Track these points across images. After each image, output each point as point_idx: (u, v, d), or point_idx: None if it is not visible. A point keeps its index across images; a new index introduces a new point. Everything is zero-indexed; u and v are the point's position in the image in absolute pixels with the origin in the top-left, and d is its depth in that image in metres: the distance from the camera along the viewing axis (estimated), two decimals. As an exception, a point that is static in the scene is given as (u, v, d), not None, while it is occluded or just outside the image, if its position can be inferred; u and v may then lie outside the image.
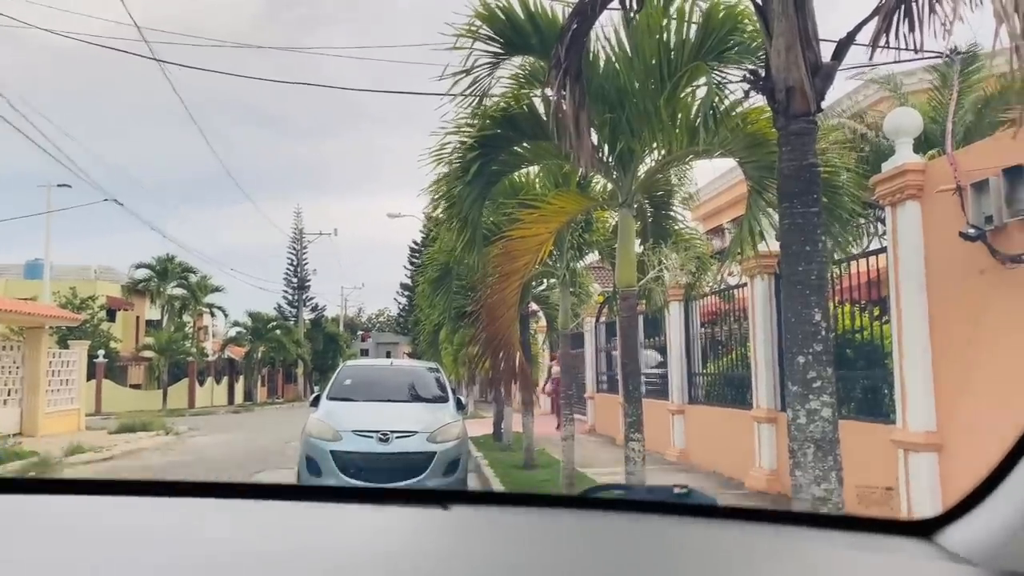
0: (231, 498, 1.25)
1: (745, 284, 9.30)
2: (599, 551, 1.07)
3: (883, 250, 6.57)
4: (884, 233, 6.70)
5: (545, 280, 11.92)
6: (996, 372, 5.02)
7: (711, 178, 20.04)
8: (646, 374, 12.43)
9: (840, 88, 25.30)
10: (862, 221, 7.02)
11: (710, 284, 9.35)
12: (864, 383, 6.97)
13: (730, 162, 5.97)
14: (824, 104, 4.10)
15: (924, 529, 1.15)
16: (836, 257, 6.59)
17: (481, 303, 7.22)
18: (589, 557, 1.05)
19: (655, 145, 6.09)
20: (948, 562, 1.06)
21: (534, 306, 13.96)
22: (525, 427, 11.22)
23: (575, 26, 4.59)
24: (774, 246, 6.78)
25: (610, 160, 6.31)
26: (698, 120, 4.88)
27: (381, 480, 7.78)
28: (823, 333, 3.95)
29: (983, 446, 4.81)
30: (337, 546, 1.05)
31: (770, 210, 5.96)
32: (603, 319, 16.70)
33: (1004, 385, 4.94)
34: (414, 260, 43.71)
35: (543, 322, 15.99)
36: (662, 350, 12.82)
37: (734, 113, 5.21)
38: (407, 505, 1.27)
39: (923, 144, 7.51)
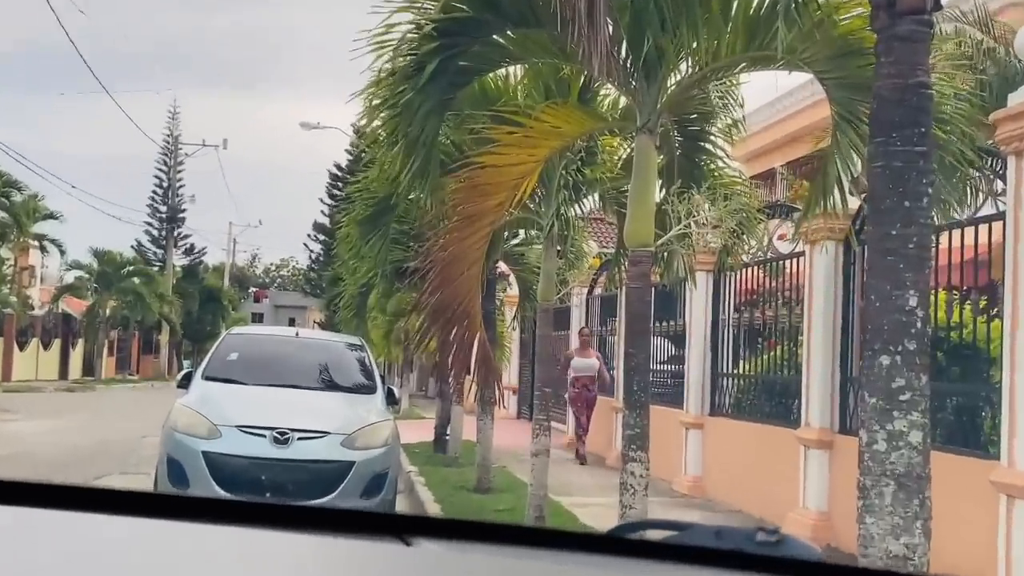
0: (63, 508, 1.19)
1: (802, 253, 9.32)
2: None
3: (998, 216, 6.58)
4: (1002, 193, 6.69)
5: (523, 231, 11.86)
6: None
7: (760, 101, 20.08)
8: (654, 371, 12.51)
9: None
10: (973, 173, 7.00)
11: (753, 250, 9.36)
12: (957, 400, 7.03)
13: (787, 81, 5.88)
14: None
15: None
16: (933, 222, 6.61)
17: (431, 257, 7.13)
18: None
19: (695, 46, 5.98)
20: None
21: (504, 266, 13.92)
22: (481, 435, 11.24)
23: None
24: (850, 203, 6.76)
25: (629, 64, 6.20)
26: (763, 9, 4.77)
27: (273, 498, 7.71)
28: (919, 326, 3.93)
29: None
30: None
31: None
32: (599, 290, 16.83)
33: None
34: (336, 192, 43.35)
35: (514, 290, 15.96)
36: (678, 339, 12.93)
37: (816, 4, 5.09)
38: (349, 534, 1.20)
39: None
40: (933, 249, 4.38)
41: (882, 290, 3.99)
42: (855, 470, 4.07)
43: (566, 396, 15.00)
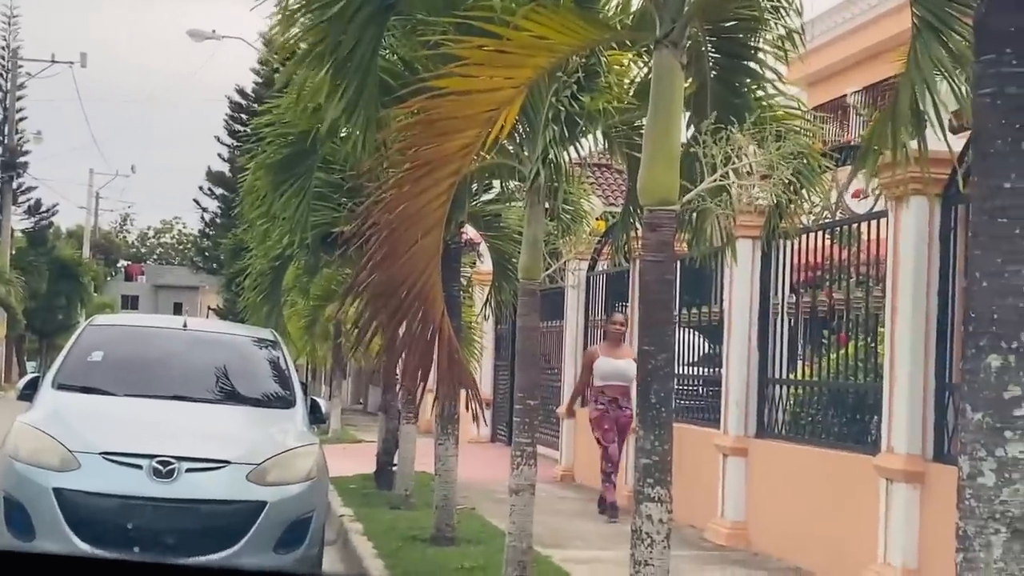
0: None
1: (884, 214, 9.39)
2: None
3: None
4: None
5: (499, 183, 11.87)
6: None
7: (827, 3, 20.12)
8: (679, 376, 12.57)
9: None
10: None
11: (815, 210, 9.42)
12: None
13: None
14: None
15: None
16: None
17: (372, 219, 7.12)
18: None
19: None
20: None
21: (473, 232, 13.92)
22: (441, 464, 11.27)
23: None
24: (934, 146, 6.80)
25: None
26: None
27: (154, 553, 7.72)
28: (1043, 315, 3.96)
29: None
30: None
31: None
32: (604, 264, 16.93)
33: None
34: (239, 128, 42.98)
35: (487, 264, 15.98)
36: (712, 332, 13.02)
37: None
38: None
39: None
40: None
41: (991, 265, 4.02)
42: (954, 511, 4.12)
43: (589, 416, 13.56)
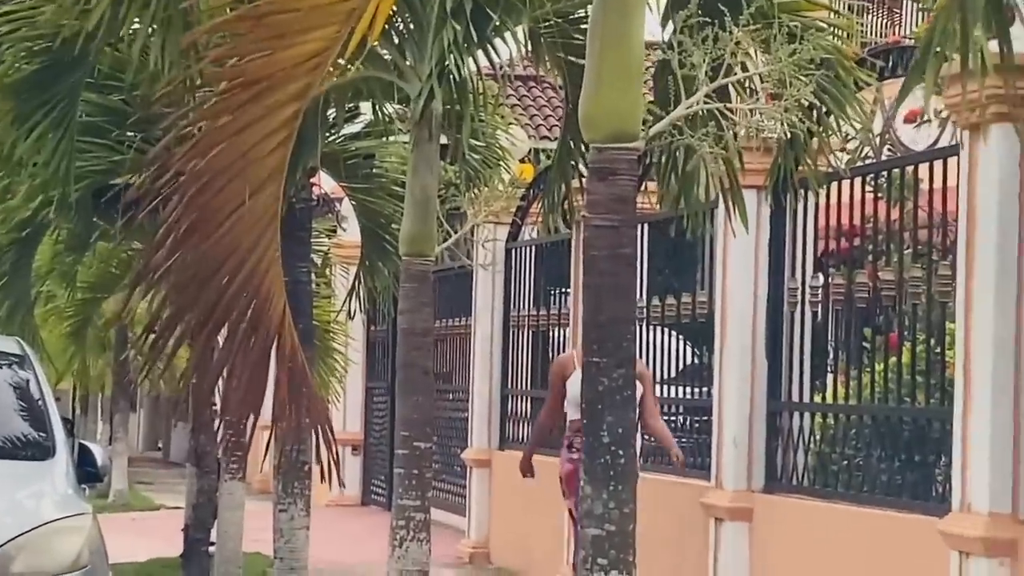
0: None
1: (954, 150, 9.47)
2: None
3: None
4: None
5: (369, 109, 11.87)
6: None
7: None
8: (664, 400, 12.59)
9: None
10: None
11: (851, 145, 9.47)
12: None
13: None
14: None
15: None
16: None
17: (174, 168, 7.08)
18: None
19: None
20: None
21: (329, 183, 13.88)
22: (286, 540, 11.26)
23: None
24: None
25: None
26: None
27: None
28: None
29: None
30: None
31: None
32: (531, 230, 17.11)
33: None
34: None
35: (353, 233, 15.93)
36: (697, 332, 13.10)
37: None
38: None
39: None
40: None
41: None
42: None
43: (560, 470, 12.38)
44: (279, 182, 7.19)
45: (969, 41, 6.45)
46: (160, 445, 38.31)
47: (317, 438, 8.52)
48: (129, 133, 12.08)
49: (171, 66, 8.04)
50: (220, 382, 7.44)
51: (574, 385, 11.29)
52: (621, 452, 6.36)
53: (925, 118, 9.65)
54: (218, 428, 13.33)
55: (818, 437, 11.26)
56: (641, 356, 11.86)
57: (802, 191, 10.89)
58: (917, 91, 7.84)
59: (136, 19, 8.52)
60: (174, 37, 7.67)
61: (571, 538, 12.36)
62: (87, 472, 9.47)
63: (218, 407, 8.00)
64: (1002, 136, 8.78)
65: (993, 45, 6.57)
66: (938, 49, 6.69)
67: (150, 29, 8.00)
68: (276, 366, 7.50)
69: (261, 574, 12.75)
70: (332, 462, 8.26)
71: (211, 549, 14.04)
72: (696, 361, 13.28)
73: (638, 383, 11.01)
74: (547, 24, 9.62)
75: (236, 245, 6.97)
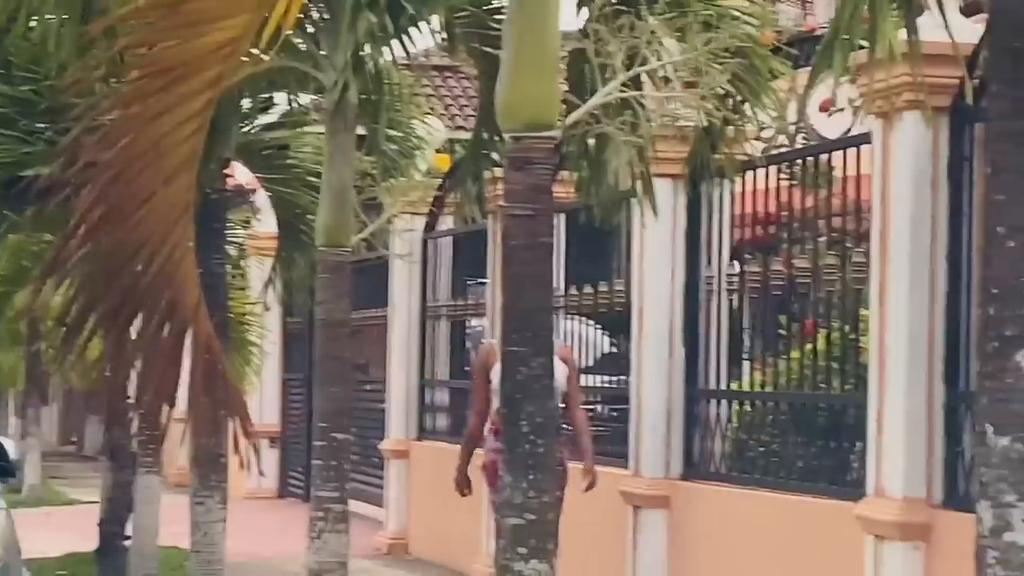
0: None
1: (867, 137, 9.54)
2: None
3: None
4: None
5: (284, 99, 11.77)
6: None
7: None
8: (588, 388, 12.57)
9: None
10: None
11: (767, 133, 9.49)
12: None
13: None
14: None
15: None
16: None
17: (86, 157, 7.01)
18: None
19: None
20: None
21: (245, 174, 13.80)
22: (202, 534, 11.20)
23: None
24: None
25: None
26: None
27: None
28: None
29: None
30: None
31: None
32: (448, 220, 17.12)
33: None
34: None
35: (268, 224, 15.84)
36: (615, 322, 13.10)
37: None
38: None
39: None
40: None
41: (1017, 211, 4.11)
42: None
43: (482, 461, 11.72)
44: (192, 172, 7.12)
45: (877, 29, 6.45)
46: (74, 439, 37.98)
47: (234, 430, 8.49)
48: (39, 124, 11.96)
49: (80, 54, 7.95)
50: (134, 374, 7.37)
51: (498, 375, 11.11)
52: (541, 441, 6.35)
53: (838, 107, 9.63)
54: (132, 421, 13.25)
55: (735, 424, 11.31)
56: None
57: (718, 180, 10.90)
58: (830, 79, 7.90)
59: (47, 9, 8.43)
60: (83, 26, 7.57)
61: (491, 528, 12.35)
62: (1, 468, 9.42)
63: (132, 399, 7.92)
64: (913, 124, 8.81)
65: (902, 33, 6.58)
66: (845, 36, 6.69)
67: (61, 19, 7.90)
68: (191, 357, 7.46)
69: (178, 568, 12.65)
70: (254, 453, 8.20)
71: (127, 543, 13.95)
72: (614, 350, 13.27)
73: (566, 369, 11.02)
74: (463, 14, 9.61)
75: (149, 236, 6.91)
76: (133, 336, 7.21)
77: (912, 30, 6.56)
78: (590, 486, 10.92)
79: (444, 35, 10.08)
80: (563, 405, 10.86)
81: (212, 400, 7.96)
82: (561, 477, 11.02)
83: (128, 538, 13.96)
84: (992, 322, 4.15)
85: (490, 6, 9.32)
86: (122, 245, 6.94)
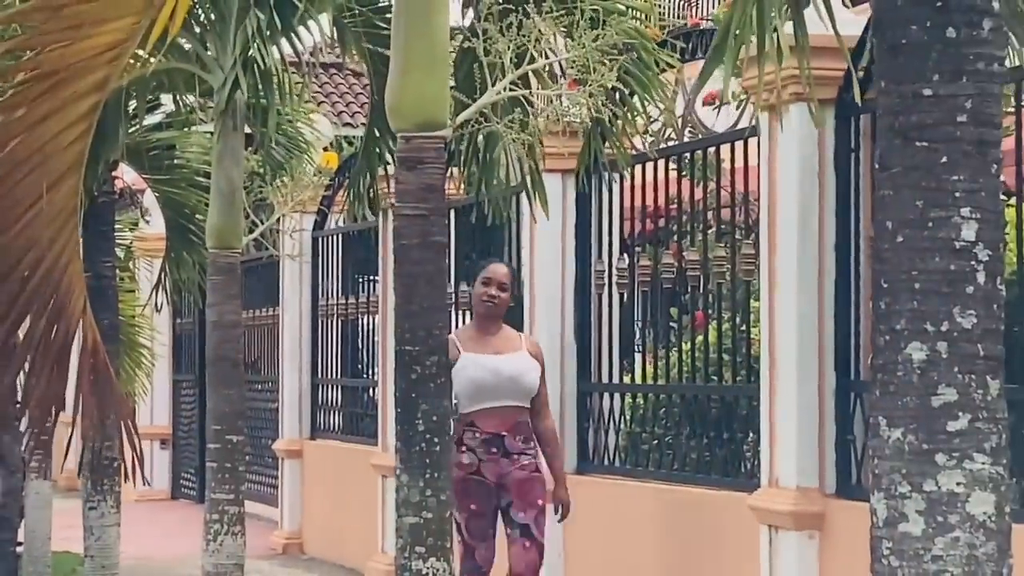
0: None
1: (752, 131, 9.58)
2: None
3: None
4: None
5: (170, 100, 11.65)
6: None
7: None
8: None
9: None
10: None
11: (654, 128, 9.51)
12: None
13: None
14: None
15: None
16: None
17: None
18: None
19: None
20: None
21: (131, 175, 13.67)
22: (95, 538, 11.11)
23: None
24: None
25: None
26: None
27: None
28: (981, 281, 4.05)
29: None
30: None
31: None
32: (338, 219, 17.17)
33: None
34: None
35: (156, 225, 15.71)
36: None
37: None
38: None
39: None
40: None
41: (907, 209, 4.10)
42: (863, 568, 4.25)
43: (455, 470, 9.08)
44: (78, 175, 7.07)
45: (765, 24, 6.47)
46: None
47: (121, 434, 8.42)
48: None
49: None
50: (20, 378, 7.30)
51: (464, 373, 9.87)
52: (436, 440, 6.36)
53: (724, 100, 9.70)
54: (20, 426, 13.10)
55: (628, 417, 11.33)
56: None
57: (607, 174, 10.91)
58: (717, 73, 7.93)
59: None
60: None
61: (384, 528, 12.32)
62: None
63: (19, 403, 7.83)
64: (800, 116, 8.84)
65: (789, 27, 6.61)
66: (737, 32, 6.73)
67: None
68: (79, 361, 7.40)
69: (71, 572, 12.53)
70: (136, 458, 8.09)
71: (19, 549, 13.80)
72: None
73: (538, 366, 10.14)
74: (352, 12, 9.56)
75: (35, 239, 6.85)
76: (19, 341, 7.15)
77: (800, 23, 6.61)
78: (564, 515, 10.10)
79: (334, 33, 10.02)
80: (529, 407, 10.01)
81: (100, 404, 7.90)
82: (526, 491, 9.97)
83: (20, 544, 13.80)
84: (883, 316, 4.16)
85: (379, 5, 9.27)
86: (7, 249, 6.87)
